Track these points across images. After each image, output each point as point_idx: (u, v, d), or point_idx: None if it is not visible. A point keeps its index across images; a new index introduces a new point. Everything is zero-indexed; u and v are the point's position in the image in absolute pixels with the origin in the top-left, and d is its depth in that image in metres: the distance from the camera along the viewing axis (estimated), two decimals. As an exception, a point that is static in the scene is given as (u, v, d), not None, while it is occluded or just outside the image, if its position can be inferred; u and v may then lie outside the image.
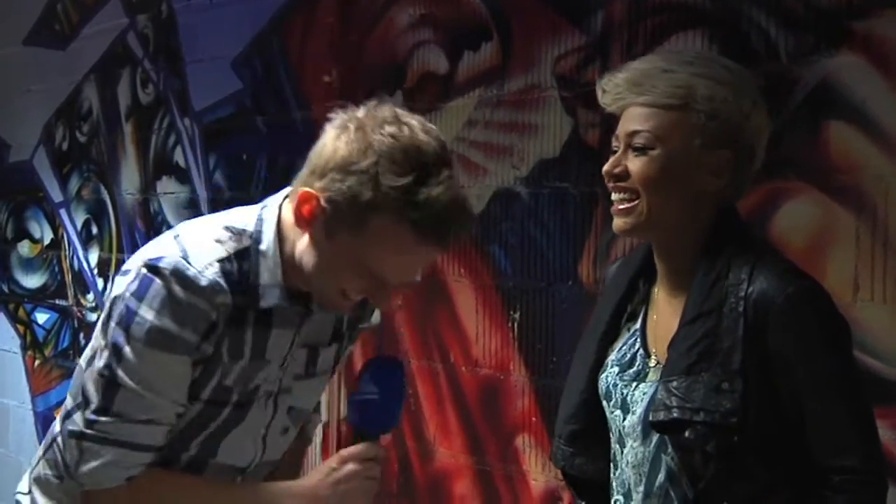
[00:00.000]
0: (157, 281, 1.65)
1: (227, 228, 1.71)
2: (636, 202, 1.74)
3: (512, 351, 3.12)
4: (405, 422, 3.47)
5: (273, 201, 1.74)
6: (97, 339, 1.73)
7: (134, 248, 4.77)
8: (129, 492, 1.68)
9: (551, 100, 3.00)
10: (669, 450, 1.73)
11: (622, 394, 1.81)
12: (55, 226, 5.28)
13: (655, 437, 1.75)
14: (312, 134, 1.71)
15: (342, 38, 3.64)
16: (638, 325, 1.85)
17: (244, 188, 4.00)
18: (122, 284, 1.71)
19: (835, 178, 2.36)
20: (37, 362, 5.35)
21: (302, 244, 1.67)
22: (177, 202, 4.45)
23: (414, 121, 1.62)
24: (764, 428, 1.68)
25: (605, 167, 1.79)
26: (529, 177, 3.06)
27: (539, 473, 3.05)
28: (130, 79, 4.78)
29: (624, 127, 1.78)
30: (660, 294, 1.83)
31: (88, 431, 1.67)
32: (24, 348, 5.47)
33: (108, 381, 1.67)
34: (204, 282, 1.65)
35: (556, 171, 2.99)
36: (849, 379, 1.70)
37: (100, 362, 1.69)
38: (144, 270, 1.67)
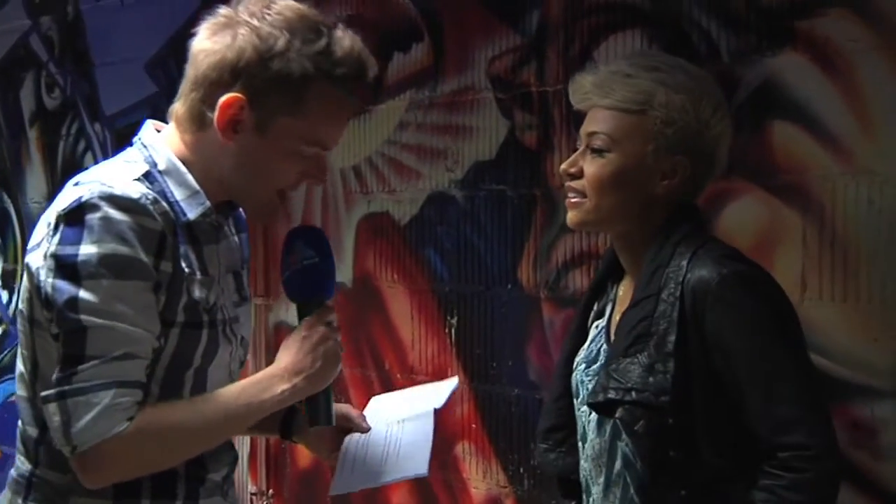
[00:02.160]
0: (88, 216, 1.54)
1: (123, 162, 1.67)
2: (584, 200, 1.81)
3: (450, 357, 3.08)
4: (338, 432, 3.40)
5: (145, 135, 1.70)
6: (26, 333, 1.61)
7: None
8: (134, 432, 1.53)
9: (486, 101, 2.96)
10: (624, 436, 1.76)
11: (587, 389, 1.84)
12: (-45, 236, 5.07)
13: (609, 426, 1.79)
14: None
15: (264, 40, 3.54)
16: (604, 322, 1.89)
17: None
18: (37, 257, 1.59)
19: (780, 178, 2.37)
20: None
21: (226, 160, 1.64)
22: (88, 210, 4.30)
23: None
24: (710, 411, 1.71)
25: (562, 166, 1.86)
26: (465, 179, 3.02)
27: (480, 481, 3.01)
28: (34, 83, 4.61)
29: (585, 127, 1.85)
30: (623, 289, 1.88)
31: (68, 387, 1.52)
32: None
33: (71, 332, 1.54)
34: (137, 195, 1.57)
35: (493, 173, 2.96)
36: (787, 356, 1.71)
37: (54, 328, 1.56)
38: (64, 220, 1.56)
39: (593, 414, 1.82)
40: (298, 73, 1.59)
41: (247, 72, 1.60)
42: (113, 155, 1.75)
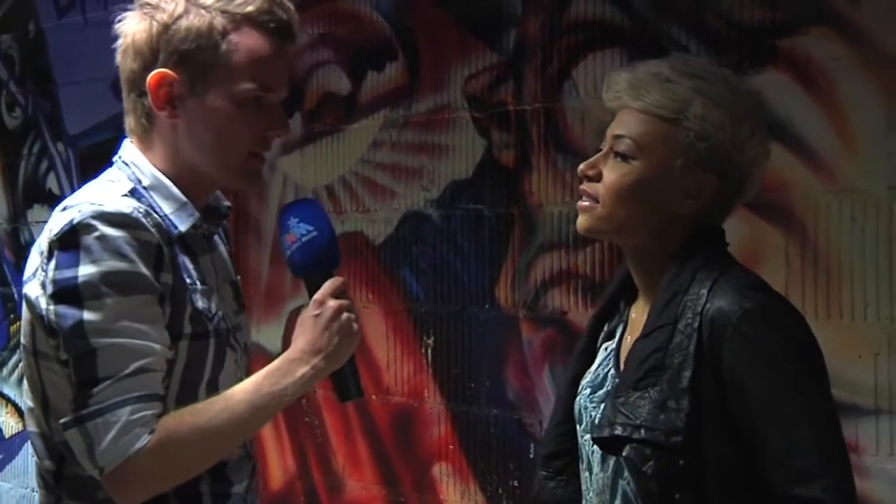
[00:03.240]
0: (83, 236, 1.52)
1: (107, 182, 1.64)
2: (596, 205, 1.68)
3: (426, 377, 3.05)
4: (311, 453, 3.36)
5: (125, 153, 1.68)
6: (31, 368, 1.59)
7: (2, 279, 4.52)
8: (157, 444, 1.51)
9: (462, 120, 2.95)
10: (626, 474, 1.65)
11: (591, 416, 1.73)
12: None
13: (612, 462, 1.68)
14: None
15: (234, 58, 3.51)
16: (614, 345, 1.77)
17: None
18: (34, 287, 1.57)
19: (762, 196, 2.33)
20: None
21: (184, 141, 1.63)
22: (51, 231, 4.22)
23: None
24: (722, 454, 1.60)
25: (581, 166, 1.71)
26: (441, 199, 3.00)
27: (458, 503, 2.97)
28: (-6, 102, 4.54)
29: (612, 129, 1.71)
30: (636, 311, 1.76)
31: (85, 411, 1.51)
32: None
33: (80, 356, 1.52)
34: (129, 210, 1.55)
35: (469, 192, 2.94)
36: (808, 400, 1.59)
37: (63, 354, 1.54)
38: (58, 245, 1.53)
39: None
40: (207, 24, 1.60)
41: (160, 44, 1.60)
42: (77, 175, 1.72)
